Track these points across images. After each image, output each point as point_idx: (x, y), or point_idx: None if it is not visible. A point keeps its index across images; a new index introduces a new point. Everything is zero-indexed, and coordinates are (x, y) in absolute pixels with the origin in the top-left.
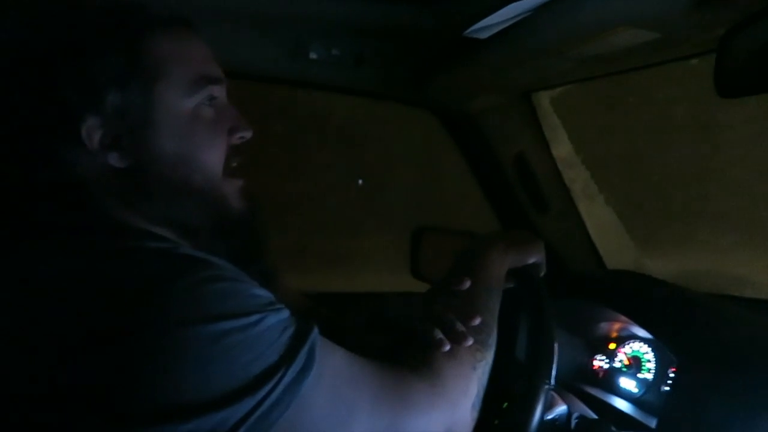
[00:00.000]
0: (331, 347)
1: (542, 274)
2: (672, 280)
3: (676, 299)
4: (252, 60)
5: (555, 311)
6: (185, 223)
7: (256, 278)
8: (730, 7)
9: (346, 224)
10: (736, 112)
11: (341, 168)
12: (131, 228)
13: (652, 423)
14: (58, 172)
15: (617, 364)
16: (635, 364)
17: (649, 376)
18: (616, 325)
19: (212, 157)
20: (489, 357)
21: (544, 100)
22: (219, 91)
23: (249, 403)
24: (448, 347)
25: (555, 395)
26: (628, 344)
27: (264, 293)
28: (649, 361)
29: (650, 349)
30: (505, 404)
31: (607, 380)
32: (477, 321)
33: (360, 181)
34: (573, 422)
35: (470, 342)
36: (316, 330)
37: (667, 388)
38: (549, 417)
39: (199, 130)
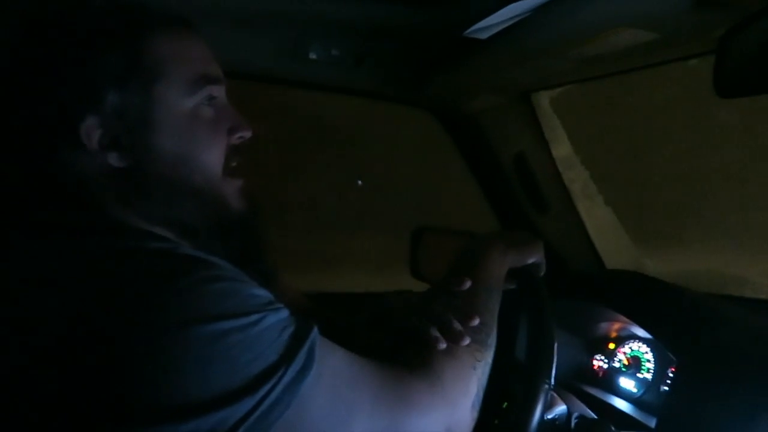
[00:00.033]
0: (330, 347)
1: (542, 273)
2: (671, 280)
3: (675, 299)
4: (252, 60)
5: (555, 311)
6: (185, 223)
7: (255, 278)
8: (730, 7)
9: (345, 224)
10: (735, 112)
11: (341, 168)
12: (131, 228)
13: (652, 423)
14: (58, 171)
15: (617, 364)
16: (635, 364)
17: (649, 376)
18: (616, 325)
19: (212, 156)
20: (489, 357)
21: (543, 100)
22: (218, 91)
23: (249, 402)
24: (444, 346)
25: (555, 395)
26: (628, 344)
27: (263, 293)
28: (648, 361)
29: (649, 349)
30: (505, 404)
31: (607, 380)
32: (476, 321)
33: (359, 182)
34: (573, 422)
35: (467, 341)
36: (315, 330)
37: (667, 388)
38: (549, 417)
39: (198, 130)
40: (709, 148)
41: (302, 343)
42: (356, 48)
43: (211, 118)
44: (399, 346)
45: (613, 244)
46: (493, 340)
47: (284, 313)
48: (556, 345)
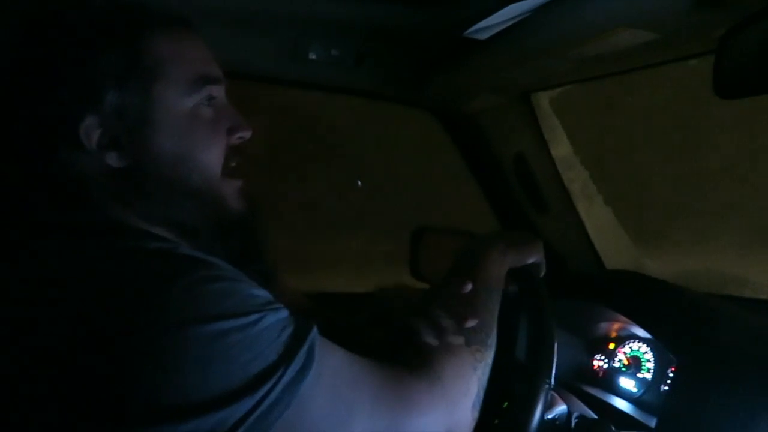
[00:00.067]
0: (330, 347)
1: (542, 274)
2: (671, 280)
3: (675, 299)
4: (251, 60)
5: (555, 311)
6: (184, 223)
7: (255, 278)
8: (729, 7)
9: (345, 224)
10: (735, 113)
11: (341, 168)
12: (130, 228)
13: (652, 423)
14: (58, 172)
15: (617, 364)
16: (635, 364)
17: (649, 376)
18: (616, 325)
19: (211, 157)
20: (489, 357)
21: (543, 100)
22: (218, 91)
23: (248, 402)
24: (435, 342)
25: (555, 395)
26: (628, 344)
27: (263, 293)
28: (648, 361)
29: (649, 349)
30: (506, 404)
31: (607, 380)
32: (473, 323)
33: (359, 182)
34: (573, 422)
35: (460, 340)
36: (315, 329)
37: (667, 388)
38: (549, 417)
39: (197, 130)
40: (709, 148)
41: (302, 343)
42: (356, 48)
43: (210, 118)
44: (399, 346)
45: (612, 244)
46: (493, 341)
47: (284, 313)
48: (556, 345)
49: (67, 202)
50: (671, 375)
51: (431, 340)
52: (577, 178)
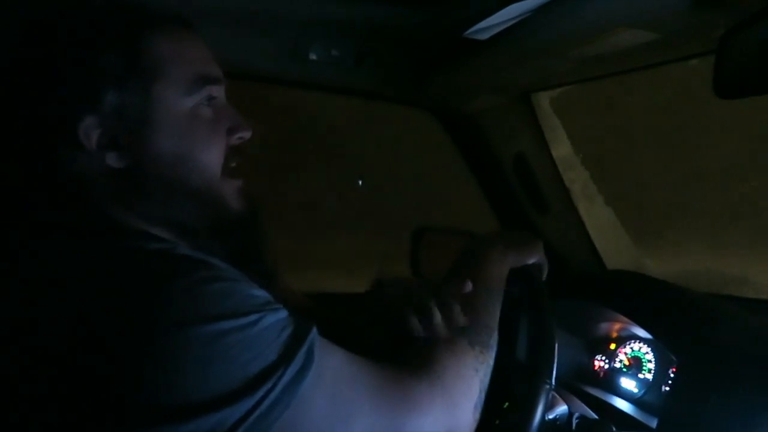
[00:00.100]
0: (330, 347)
1: (545, 274)
2: (672, 280)
3: (675, 299)
4: (251, 60)
5: (555, 311)
6: (184, 224)
7: (255, 278)
8: (730, 7)
9: (345, 224)
10: (736, 112)
11: (341, 168)
12: (129, 228)
13: (653, 423)
14: (57, 172)
15: (618, 365)
16: (635, 364)
17: (650, 376)
18: (617, 326)
19: (211, 157)
20: (490, 359)
21: (543, 100)
22: (218, 91)
23: (247, 403)
24: (436, 342)
25: (556, 395)
26: (629, 344)
27: (262, 293)
28: (649, 361)
29: (650, 349)
30: (506, 404)
31: (608, 380)
32: (474, 323)
33: (360, 182)
34: (574, 422)
35: (462, 341)
36: (314, 330)
37: (667, 389)
38: (550, 417)
39: (197, 130)
40: (710, 148)
41: (301, 344)
42: (356, 48)
43: (210, 119)
44: (400, 345)
45: (613, 244)
46: (494, 342)
47: (283, 314)
48: (556, 345)
49: (66, 202)
50: (672, 375)
51: (432, 341)
52: (577, 179)
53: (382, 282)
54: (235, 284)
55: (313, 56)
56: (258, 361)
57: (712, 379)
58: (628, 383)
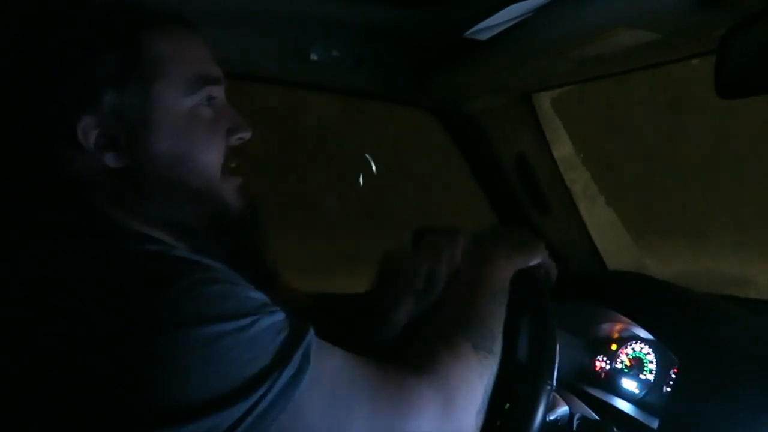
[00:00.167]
0: (328, 349)
1: (554, 277)
2: (673, 280)
3: (677, 300)
4: (251, 60)
5: (556, 312)
6: (182, 224)
7: (255, 278)
8: (730, 7)
9: (346, 225)
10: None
11: (341, 169)
12: (126, 229)
13: (654, 424)
14: (55, 172)
15: (619, 365)
16: (637, 365)
17: (651, 377)
18: (618, 326)
19: (210, 157)
20: (495, 364)
21: (544, 100)
22: (218, 92)
23: (243, 406)
24: (440, 345)
25: (557, 396)
26: (630, 345)
27: (258, 295)
28: (650, 362)
29: (651, 350)
30: (507, 405)
31: (609, 381)
32: (480, 327)
33: (360, 182)
34: (575, 423)
35: (467, 345)
36: (311, 332)
37: (669, 389)
38: (551, 418)
39: (196, 131)
40: (711, 149)
41: (297, 346)
42: (357, 49)
43: (209, 119)
44: (405, 349)
45: (614, 244)
46: (498, 348)
47: (279, 316)
48: (558, 346)
49: (65, 203)
50: (673, 376)
51: (436, 342)
52: (578, 179)
53: (391, 253)
54: (231, 286)
55: (313, 56)
56: (254, 364)
57: (713, 380)
58: (629, 384)
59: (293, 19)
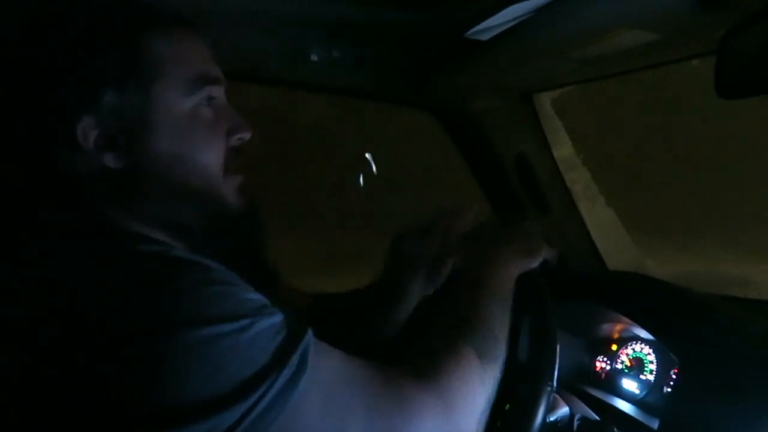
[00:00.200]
0: (326, 352)
1: (554, 260)
2: (674, 280)
3: (677, 300)
4: (252, 61)
5: (556, 312)
6: (182, 225)
7: (255, 278)
8: (731, 8)
9: (346, 225)
10: (739, 113)
11: (342, 169)
12: (124, 230)
13: (654, 424)
14: (54, 172)
15: (619, 366)
16: (637, 365)
17: (651, 377)
18: (618, 327)
19: (210, 158)
20: (497, 371)
21: (545, 101)
22: (218, 92)
23: (239, 409)
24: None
25: (557, 397)
26: (630, 345)
27: (257, 297)
28: (651, 362)
29: (652, 350)
30: (507, 406)
31: (609, 381)
32: (484, 332)
33: (360, 183)
34: (575, 424)
35: (470, 351)
36: (309, 334)
37: (669, 390)
38: (551, 419)
39: (196, 131)
40: (711, 149)
41: (295, 349)
42: (357, 50)
43: (209, 119)
44: (408, 352)
45: (614, 245)
46: (502, 354)
47: (277, 318)
48: (558, 346)
49: (64, 203)
50: (674, 376)
51: (440, 348)
52: (579, 179)
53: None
54: (229, 287)
55: (314, 57)
56: (250, 366)
57: (713, 380)
58: (629, 384)
59: (293, 19)
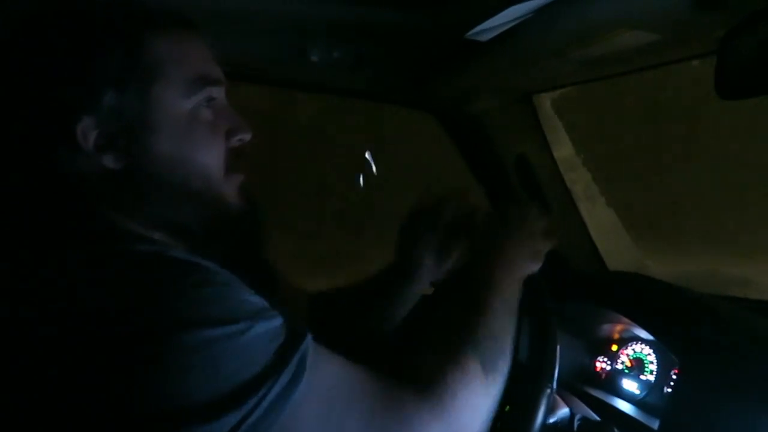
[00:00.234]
0: (326, 356)
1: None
2: (673, 281)
3: (677, 301)
4: (252, 62)
5: (557, 313)
6: (181, 225)
7: (255, 279)
8: (731, 8)
9: (347, 225)
10: (740, 114)
11: (342, 169)
12: (123, 231)
13: (655, 424)
14: (54, 173)
15: (619, 366)
16: (637, 365)
17: (651, 377)
18: (618, 327)
19: (210, 159)
20: (501, 384)
21: (545, 101)
22: (218, 93)
23: (237, 414)
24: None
25: (557, 398)
26: (630, 346)
27: (256, 299)
28: (651, 362)
29: (652, 350)
30: (507, 407)
31: (610, 382)
32: (490, 342)
33: (361, 183)
34: (575, 424)
35: (475, 361)
36: (309, 338)
37: (669, 390)
38: (551, 420)
39: (196, 132)
40: (712, 149)
41: (293, 353)
42: (357, 50)
43: (209, 120)
44: (410, 358)
45: (615, 245)
46: (507, 365)
47: (276, 321)
48: (558, 347)
49: (64, 203)
50: (674, 377)
51: (443, 360)
52: (579, 180)
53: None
54: (227, 289)
55: (314, 57)
56: (247, 370)
57: (714, 381)
58: (629, 385)
59: (293, 20)
